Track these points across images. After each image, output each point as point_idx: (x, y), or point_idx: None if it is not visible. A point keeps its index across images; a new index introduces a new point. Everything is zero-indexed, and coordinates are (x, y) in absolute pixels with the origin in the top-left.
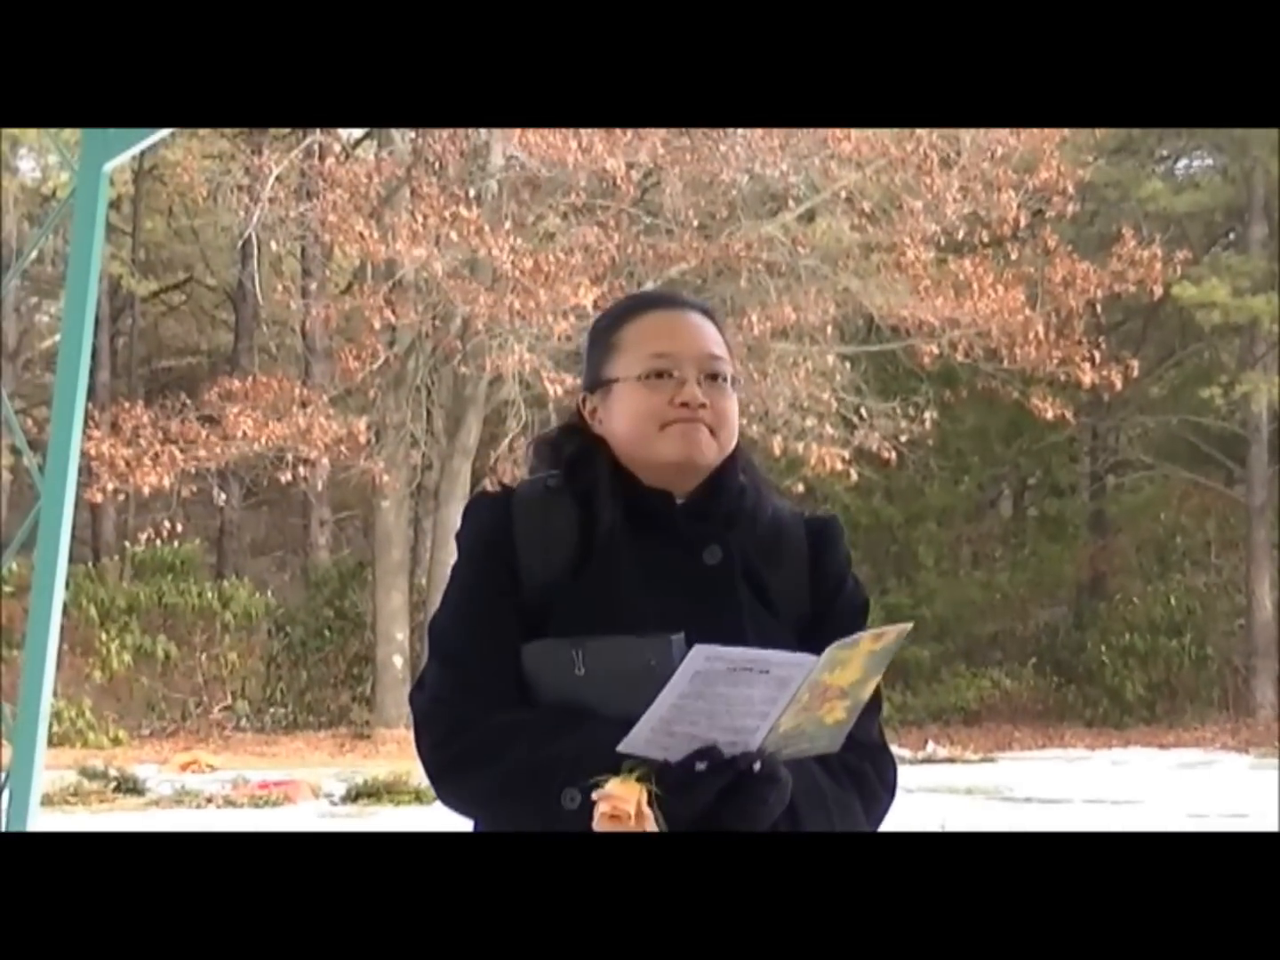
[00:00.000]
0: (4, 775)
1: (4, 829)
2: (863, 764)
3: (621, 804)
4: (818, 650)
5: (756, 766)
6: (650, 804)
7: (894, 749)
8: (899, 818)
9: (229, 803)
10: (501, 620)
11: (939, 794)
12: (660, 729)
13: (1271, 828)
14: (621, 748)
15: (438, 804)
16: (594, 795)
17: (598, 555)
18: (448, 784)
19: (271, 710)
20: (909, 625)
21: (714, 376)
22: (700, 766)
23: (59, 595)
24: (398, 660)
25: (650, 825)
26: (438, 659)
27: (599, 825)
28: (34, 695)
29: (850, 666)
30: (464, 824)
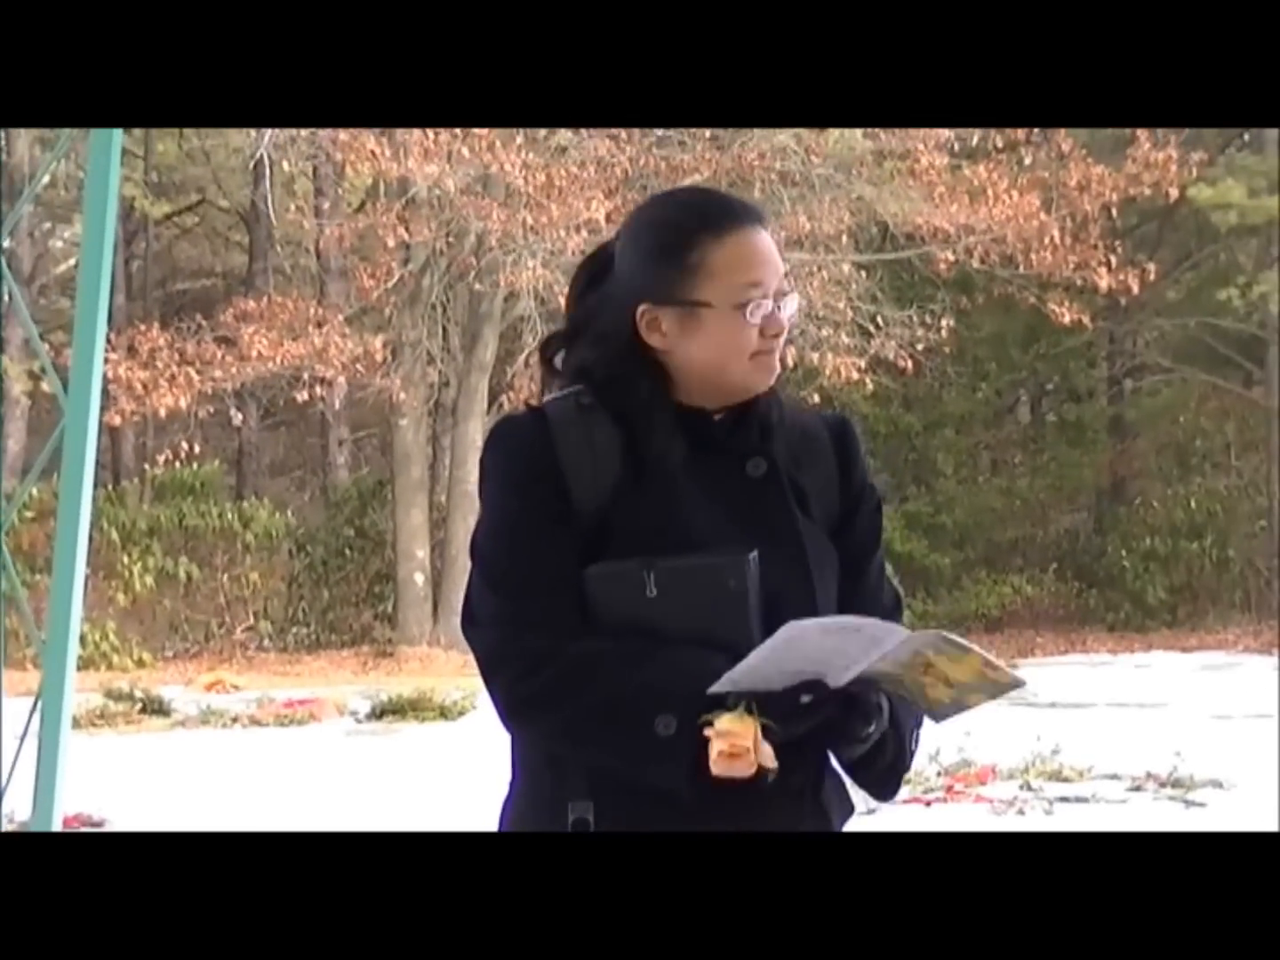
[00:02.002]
0: (35, 699)
1: (37, 751)
2: None
3: (740, 740)
4: (841, 545)
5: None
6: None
7: None
8: (929, 723)
9: (255, 722)
10: (560, 546)
11: None
12: (749, 673)
13: None
14: (714, 690)
15: (462, 720)
16: (708, 733)
17: (650, 474)
18: (530, 718)
19: (294, 630)
20: (1024, 680)
21: (784, 297)
22: (805, 699)
23: (85, 518)
24: (419, 578)
25: (768, 760)
26: (500, 593)
27: (716, 765)
28: (63, 618)
29: (961, 668)
30: (494, 744)
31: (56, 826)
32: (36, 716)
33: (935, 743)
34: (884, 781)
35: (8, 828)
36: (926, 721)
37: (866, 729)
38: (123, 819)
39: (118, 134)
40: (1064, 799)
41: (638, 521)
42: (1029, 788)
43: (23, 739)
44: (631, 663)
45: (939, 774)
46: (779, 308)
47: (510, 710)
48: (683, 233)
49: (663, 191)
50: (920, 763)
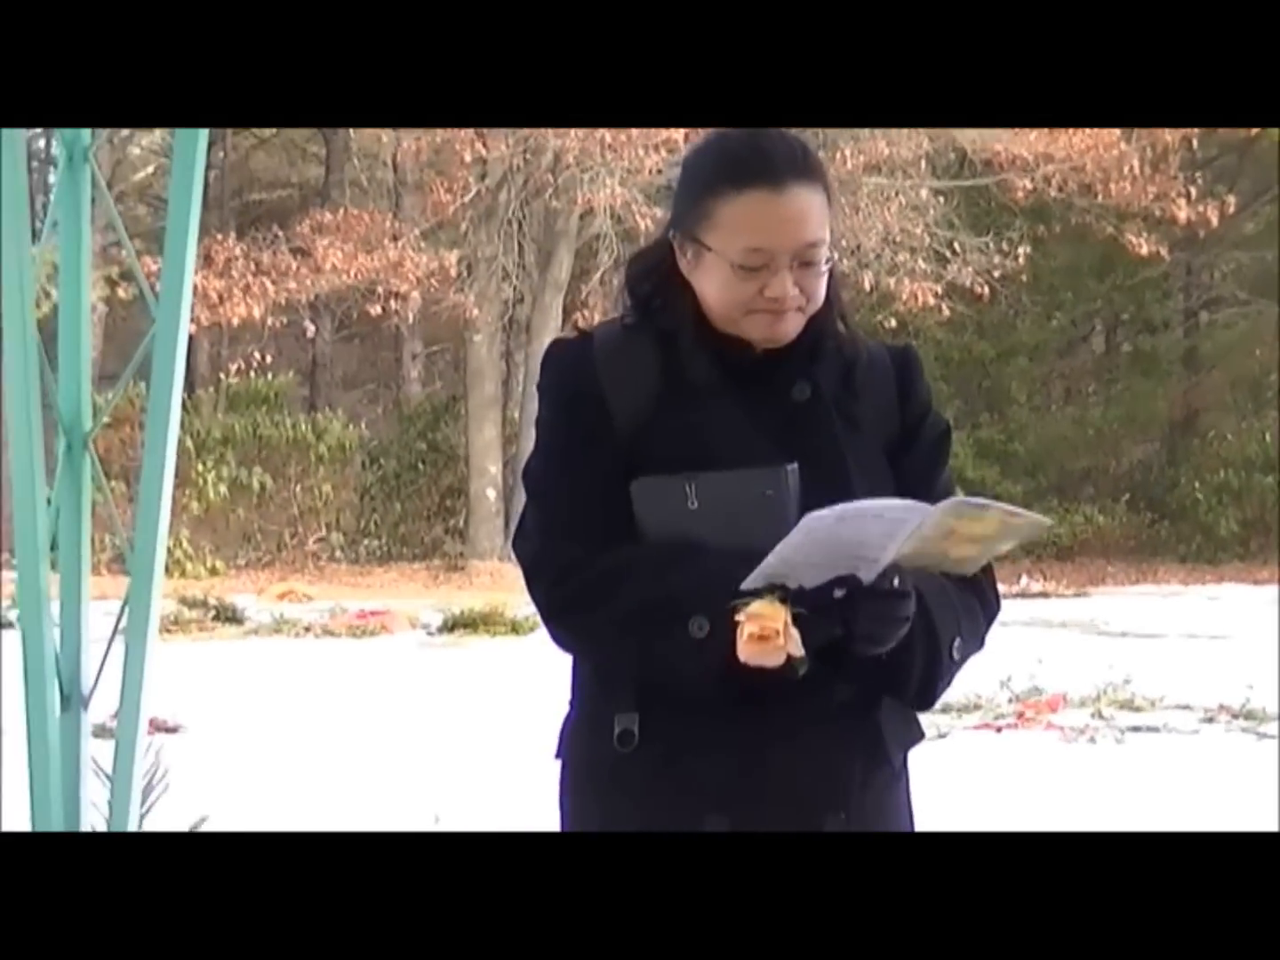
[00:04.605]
0: (123, 604)
1: (124, 656)
2: (976, 579)
3: (770, 623)
4: (901, 468)
5: (896, 582)
6: (794, 624)
7: None
8: (1000, 649)
9: (327, 632)
10: (599, 462)
11: (1034, 628)
12: (779, 566)
13: None
14: (746, 585)
15: (533, 635)
16: (739, 616)
17: (689, 395)
18: (567, 622)
19: (365, 542)
20: (1048, 521)
21: (809, 263)
22: (839, 593)
23: (174, 426)
24: (490, 493)
25: (795, 647)
26: (543, 507)
27: (745, 647)
28: (150, 525)
29: (982, 525)
30: (563, 660)
31: (142, 730)
32: (125, 619)
33: (1007, 669)
34: (917, 687)
35: (92, 731)
36: (992, 639)
37: (893, 626)
38: (197, 725)
39: None
40: (1135, 728)
41: (678, 439)
42: (1100, 716)
43: (110, 644)
44: (665, 567)
45: (1010, 700)
46: (797, 267)
47: (547, 615)
48: (708, 175)
49: (724, 129)
50: (991, 689)
